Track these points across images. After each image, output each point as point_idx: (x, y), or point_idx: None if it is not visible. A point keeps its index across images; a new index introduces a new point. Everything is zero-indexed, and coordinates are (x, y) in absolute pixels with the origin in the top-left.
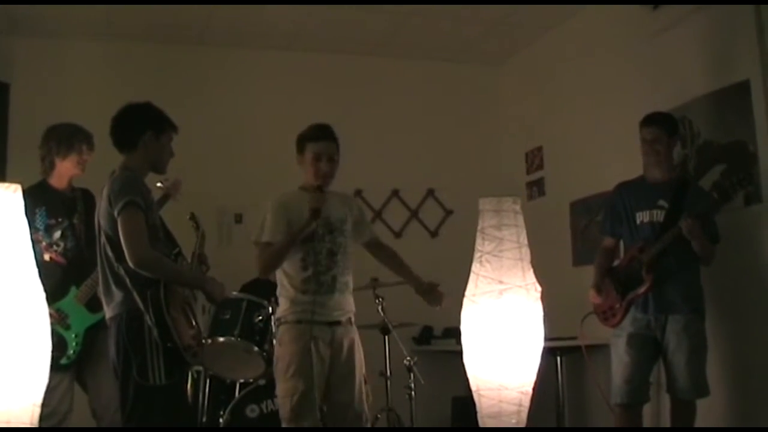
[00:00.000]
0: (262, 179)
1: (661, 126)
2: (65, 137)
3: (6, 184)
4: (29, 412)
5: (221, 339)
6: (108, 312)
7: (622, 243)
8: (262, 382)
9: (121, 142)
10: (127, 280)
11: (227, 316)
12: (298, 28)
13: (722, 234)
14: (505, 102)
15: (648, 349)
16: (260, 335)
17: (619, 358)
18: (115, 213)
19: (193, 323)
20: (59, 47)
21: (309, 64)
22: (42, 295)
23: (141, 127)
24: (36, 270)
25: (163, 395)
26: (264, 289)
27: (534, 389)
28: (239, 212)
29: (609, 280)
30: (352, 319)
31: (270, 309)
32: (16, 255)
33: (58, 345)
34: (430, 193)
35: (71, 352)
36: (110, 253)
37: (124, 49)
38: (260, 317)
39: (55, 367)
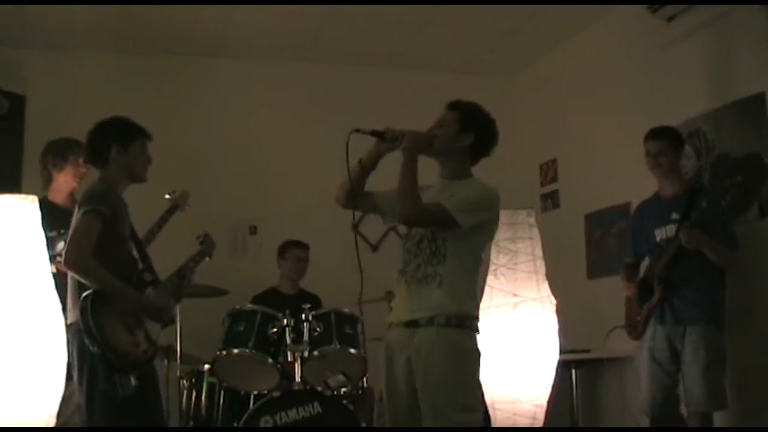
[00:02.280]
0: (276, 191)
1: (664, 139)
2: (60, 150)
3: (23, 195)
4: (45, 423)
5: (235, 351)
6: (70, 318)
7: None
8: (276, 393)
9: (92, 159)
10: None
11: (241, 328)
12: (313, 39)
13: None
14: (519, 113)
15: (671, 361)
16: (275, 347)
17: (644, 372)
18: (78, 215)
19: (133, 331)
20: (73, 60)
21: (323, 74)
22: (58, 304)
23: (106, 144)
24: (52, 282)
25: (125, 408)
26: (277, 300)
27: (549, 402)
28: (254, 224)
29: (632, 294)
30: (440, 321)
31: (284, 321)
32: (32, 265)
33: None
34: None
35: None
36: None
37: (138, 61)
38: (275, 329)
39: (69, 376)
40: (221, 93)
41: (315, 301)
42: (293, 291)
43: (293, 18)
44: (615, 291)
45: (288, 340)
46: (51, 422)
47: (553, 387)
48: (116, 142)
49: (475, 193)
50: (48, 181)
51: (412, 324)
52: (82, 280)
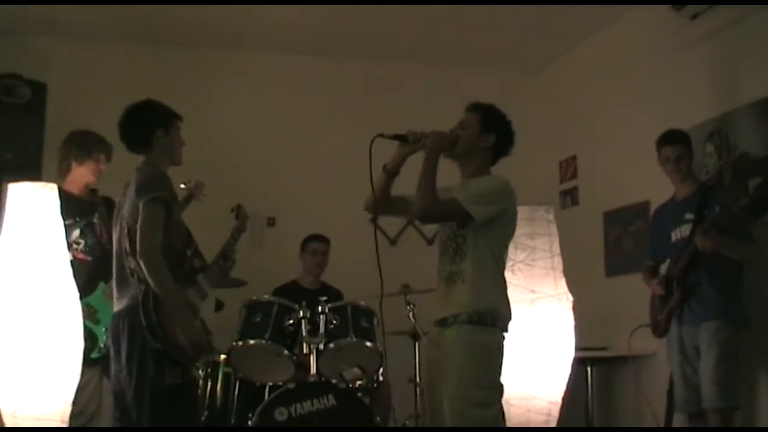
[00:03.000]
0: (294, 182)
1: (682, 143)
2: (85, 143)
3: (42, 183)
4: (61, 411)
5: (251, 342)
6: (121, 303)
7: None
8: (291, 385)
9: (136, 144)
10: (137, 275)
11: (258, 319)
12: (333, 34)
13: (760, 245)
14: (539, 110)
15: (696, 359)
16: (291, 339)
17: (672, 369)
18: (140, 204)
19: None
20: (96, 49)
21: (343, 69)
22: (75, 291)
23: (151, 127)
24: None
25: (165, 394)
26: (297, 293)
27: (563, 399)
28: (272, 216)
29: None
30: (462, 318)
31: (300, 313)
32: (51, 251)
33: (89, 339)
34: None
35: (101, 345)
36: (128, 247)
37: (160, 51)
38: (291, 321)
39: (86, 361)
40: (241, 85)
41: (336, 295)
42: (315, 285)
43: (314, 13)
44: (633, 289)
45: (304, 332)
46: (67, 409)
47: (569, 384)
48: (160, 125)
49: (487, 185)
50: (66, 171)
51: (442, 323)
52: (147, 276)
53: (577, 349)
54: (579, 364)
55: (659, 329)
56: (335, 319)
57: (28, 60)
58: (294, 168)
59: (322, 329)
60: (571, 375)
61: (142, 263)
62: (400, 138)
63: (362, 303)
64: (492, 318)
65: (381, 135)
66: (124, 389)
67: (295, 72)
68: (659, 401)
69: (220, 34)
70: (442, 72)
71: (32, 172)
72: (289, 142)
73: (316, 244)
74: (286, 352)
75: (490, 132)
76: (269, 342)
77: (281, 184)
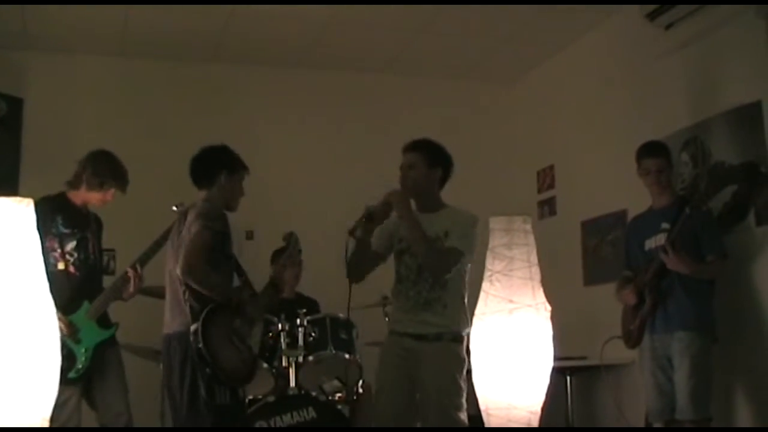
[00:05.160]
0: (273, 196)
1: (663, 156)
2: (99, 173)
3: (18, 198)
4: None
5: None
6: (172, 327)
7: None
8: (271, 398)
9: (200, 179)
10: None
11: None
12: (311, 46)
13: (733, 254)
14: (516, 120)
15: (668, 369)
16: (270, 352)
17: (645, 380)
18: (194, 228)
19: (240, 347)
20: (73, 63)
21: (321, 81)
22: (53, 309)
23: (218, 168)
24: (47, 284)
25: (214, 413)
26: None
27: (543, 409)
28: (250, 229)
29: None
30: (448, 337)
31: (280, 326)
32: (27, 269)
33: (68, 358)
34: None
35: (80, 366)
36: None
37: (138, 65)
38: (270, 334)
39: (64, 380)
40: (219, 98)
41: (312, 305)
42: (290, 295)
43: (292, 25)
44: (611, 298)
45: (283, 345)
46: (45, 425)
47: (548, 394)
48: (226, 168)
49: (467, 223)
50: (76, 185)
51: (420, 338)
52: (198, 288)
53: (557, 358)
54: (558, 373)
55: (632, 339)
56: (314, 332)
57: (4, 75)
58: (272, 181)
59: (301, 342)
60: (550, 385)
61: (186, 278)
62: (369, 218)
63: (341, 315)
64: (465, 334)
65: (352, 232)
66: (177, 408)
67: (272, 85)
68: (639, 409)
69: (198, 47)
70: (419, 83)
71: (8, 187)
72: (267, 156)
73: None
74: (265, 365)
75: (437, 167)
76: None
77: (259, 198)
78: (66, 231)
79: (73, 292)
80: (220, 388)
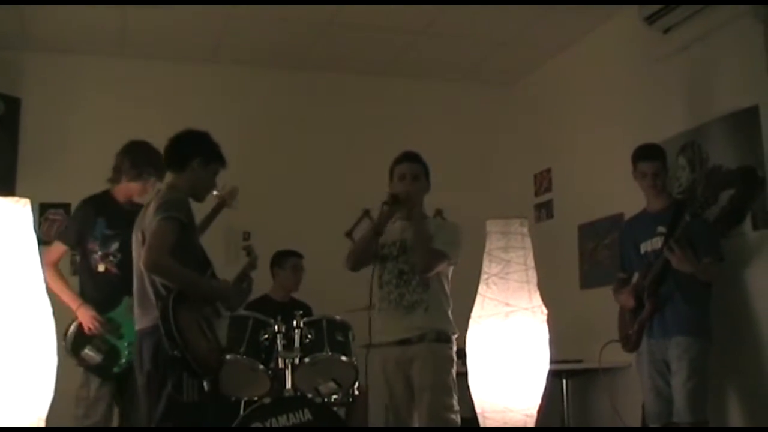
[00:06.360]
0: (270, 197)
1: (659, 159)
2: (137, 163)
3: (16, 198)
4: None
5: (227, 357)
6: (143, 323)
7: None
8: (267, 400)
9: (172, 161)
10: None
11: (233, 334)
12: (309, 48)
13: (730, 258)
14: (513, 123)
15: (666, 373)
16: (266, 353)
17: (643, 384)
18: (155, 221)
19: (209, 337)
20: (71, 63)
21: (321, 83)
22: (49, 309)
23: (192, 153)
24: (46, 284)
25: (190, 412)
26: (270, 307)
27: (539, 412)
28: (247, 230)
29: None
30: (430, 337)
31: (276, 327)
32: (24, 268)
33: (111, 354)
34: (438, 213)
35: (123, 360)
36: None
37: (136, 65)
38: (266, 335)
39: (107, 376)
40: (219, 98)
41: (305, 310)
42: (285, 299)
43: (288, 28)
44: (608, 302)
45: (279, 347)
46: (41, 426)
47: (544, 397)
48: (201, 155)
49: (453, 230)
50: (116, 180)
51: (404, 342)
52: (164, 280)
53: (553, 361)
54: (554, 376)
55: (630, 343)
56: (310, 334)
57: (2, 74)
58: (269, 182)
59: (297, 344)
60: (546, 388)
61: (153, 275)
62: (395, 200)
63: (337, 317)
64: (451, 334)
65: (348, 233)
66: (142, 401)
67: (272, 86)
68: (636, 413)
69: (195, 47)
70: (417, 85)
71: (6, 187)
72: (265, 158)
73: (296, 259)
74: (261, 366)
75: (428, 178)
76: (244, 357)
77: (256, 199)
78: (108, 232)
79: (113, 290)
80: (191, 383)
